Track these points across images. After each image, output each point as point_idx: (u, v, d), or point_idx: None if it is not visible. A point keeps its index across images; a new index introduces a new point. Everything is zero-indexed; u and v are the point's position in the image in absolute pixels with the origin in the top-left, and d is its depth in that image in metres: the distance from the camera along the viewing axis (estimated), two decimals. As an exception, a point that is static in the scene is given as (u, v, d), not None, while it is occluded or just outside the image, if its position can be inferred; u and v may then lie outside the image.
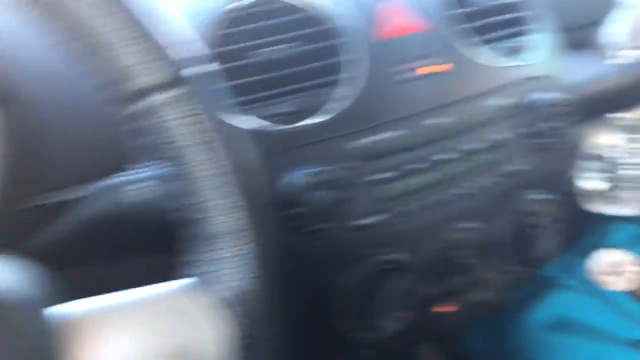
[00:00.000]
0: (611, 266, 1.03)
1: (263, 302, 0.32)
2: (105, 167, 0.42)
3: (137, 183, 0.42)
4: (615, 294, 1.03)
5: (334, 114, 0.46)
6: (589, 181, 0.75)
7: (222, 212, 0.31)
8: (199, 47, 0.31)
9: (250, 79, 0.46)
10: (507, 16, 0.55)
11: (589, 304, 1.01)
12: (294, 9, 0.48)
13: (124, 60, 0.28)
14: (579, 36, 0.70)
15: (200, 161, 0.30)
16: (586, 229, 1.08)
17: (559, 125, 0.53)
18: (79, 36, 0.28)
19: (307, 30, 0.48)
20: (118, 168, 0.42)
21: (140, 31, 0.29)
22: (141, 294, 0.30)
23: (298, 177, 0.44)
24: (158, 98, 0.29)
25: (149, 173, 0.40)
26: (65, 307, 0.28)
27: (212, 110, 0.31)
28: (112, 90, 0.29)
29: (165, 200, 0.33)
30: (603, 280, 1.03)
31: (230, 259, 0.31)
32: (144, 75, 0.29)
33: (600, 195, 0.75)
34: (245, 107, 0.45)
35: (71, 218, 0.41)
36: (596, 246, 1.07)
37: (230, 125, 0.44)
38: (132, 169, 0.42)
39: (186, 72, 0.30)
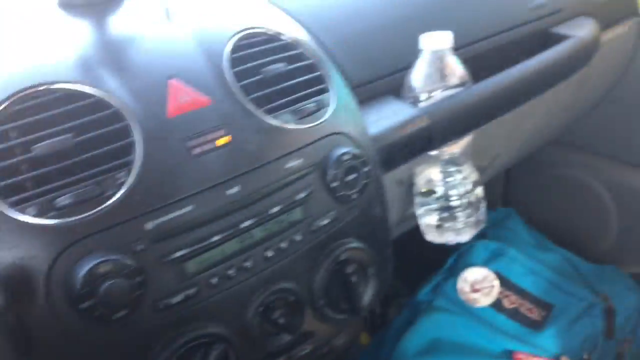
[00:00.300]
0: (474, 284, 1.09)
1: None
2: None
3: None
4: (482, 309, 1.09)
5: (121, 197, 0.47)
6: (425, 216, 0.80)
7: None
8: None
9: (26, 176, 0.45)
10: (294, 81, 0.58)
11: (460, 323, 1.06)
12: (75, 97, 0.48)
13: None
14: (392, 82, 0.75)
15: None
16: (449, 252, 1.15)
17: (355, 177, 0.57)
18: None
19: (89, 118, 0.48)
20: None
21: None
22: None
23: (83, 269, 0.44)
24: None
25: None
26: None
27: None
28: None
29: None
30: (469, 298, 1.10)
31: None
32: None
33: (437, 227, 0.80)
34: (22, 205, 0.44)
35: None
36: (461, 266, 1.14)
37: (7, 225, 0.44)
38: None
39: None
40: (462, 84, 0.73)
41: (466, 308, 1.07)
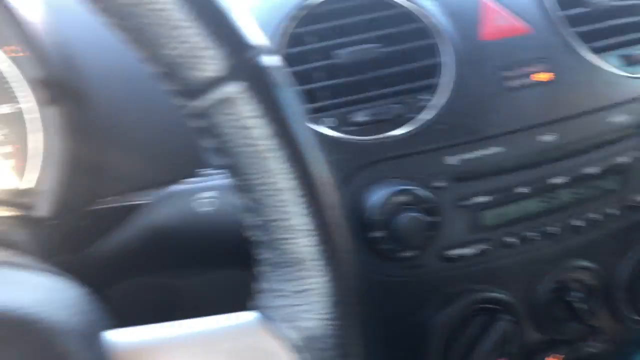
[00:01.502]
0: None
1: (341, 346, 0.26)
2: (174, 172, 0.38)
3: (209, 191, 0.37)
4: None
5: (423, 125, 0.40)
6: None
7: (299, 235, 0.25)
8: (268, 39, 0.25)
9: (325, 83, 0.40)
10: (626, 20, 0.47)
11: None
12: (381, 5, 0.43)
13: (190, 43, 0.23)
14: None
15: (277, 170, 0.24)
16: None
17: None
18: (139, 13, 0.23)
19: (395, 29, 0.42)
20: (189, 174, 0.38)
21: (210, 9, 0.23)
22: (204, 327, 0.25)
23: (381, 195, 0.38)
24: (229, 90, 0.24)
25: (223, 181, 0.36)
26: (122, 335, 0.24)
27: (296, 108, 0.26)
28: (175, 80, 0.24)
29: (238, 214, 0.27)
30: None
31: (306, 293, 0.25)
32: (212, 62, 0.23)
33: None
34: (318, 114, 0.40)
35: (135, 224, 0.37)
36: None
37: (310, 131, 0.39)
38: (205, 174, 0.38)
39: (264, 61, 0.25)
40: None
41: None
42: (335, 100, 0.41)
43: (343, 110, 0.41)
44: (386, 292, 0.41)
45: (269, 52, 0.25)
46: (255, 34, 0.25)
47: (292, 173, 0.25)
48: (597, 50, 0.45)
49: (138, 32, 0.24)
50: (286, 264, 0.26)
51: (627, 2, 0.48)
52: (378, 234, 0.39)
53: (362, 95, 0.41)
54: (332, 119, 0.40)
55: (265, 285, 0.26)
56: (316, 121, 0.40)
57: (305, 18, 0.42)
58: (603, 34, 0.46)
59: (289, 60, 0.40)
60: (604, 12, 0.46)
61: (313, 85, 0.41)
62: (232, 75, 0.24)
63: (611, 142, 0.44)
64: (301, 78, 0.40)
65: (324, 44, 0.42)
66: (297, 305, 0.26)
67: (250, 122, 0.24)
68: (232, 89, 0.24)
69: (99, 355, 0.22)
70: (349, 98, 0.41)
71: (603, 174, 0.44)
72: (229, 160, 0.25)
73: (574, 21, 0.45)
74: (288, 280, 0.26)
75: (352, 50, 0.41)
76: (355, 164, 0.40)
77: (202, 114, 0.24)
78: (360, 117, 0.40)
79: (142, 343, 0.24)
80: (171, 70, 0.24)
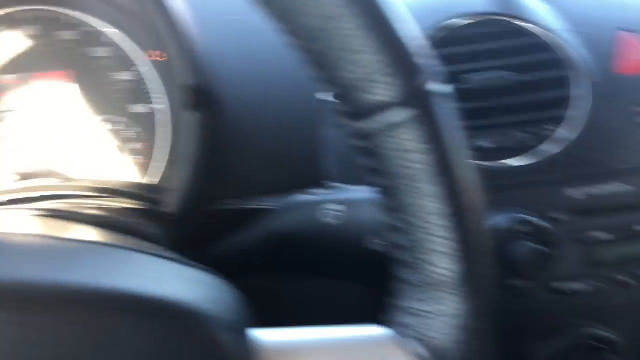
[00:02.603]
0: None
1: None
2: (301, 182, 0.40)
3: (336, 204, 0.39)
4: None
5: (548, 156, 0.40)
6: None
7: (442, 258, 0.26)
8: (435, 62, 0.27)
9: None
10: None
11: None
12: (516, 33, 0.43)
13: (368, 68, 0.25)
14: None
15: (430, 194, 0.26)
16: None
17: None
18: (325, 37, 0.25)
19: (529, 58, 0.42)
20: (316, 183, 0.40)
21: (390, 38, 0.25)
22: (341, 335, 0.27)
23: (500, 223, 0.39)
24: (398, 116, 0.25)
25: (351, 195, 0.38)
26: (266, 334, 0.26)
27: (459, 139, 0.27)
28: (347, 101, 0.26)
29: (369, 229, 0.29)
30: None
31: (441, 314, 0.26)
32: (384, 88, 0.25)
33: None
34: None
35: (258, 229, 0.40)
36: None
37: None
38: (331, 187, 0.40)
39: (429, 89, 0.26)
40: None
41: None
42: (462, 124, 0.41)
43: (469, 135, 0.41)
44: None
45: (441, 80, 0.27)
46: (429, 62, 0.26)
47: (444, 198, 0.26)
48: None
49: (321, 54, 0.25)
50: (425, 284, 0.27)
51: None
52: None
53: (489, 122, 0.41)
54: None
55: (400, 302, 0.28)
56: None
57: (441, 39, 0.43)
58: None
59: None
60: None
61: None
62: (404, 102, 0.25)
63: None
64: None
65: (456, 67, 0.42)
66: (431, 325, 0.27)
67: (413, 147, 0.26)
68: (401, 116, 0.25)
69: (248, 351, 0.24)
70: (476, 123, 0.41)
71: None
72: (384, 181, 0.27)
73: None
74: (424, 300, 0.27)
75: (484, 75, 0.42)
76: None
77: (367, 135, 0.26)
78: (484, 142, 0.41)
79: (286, 344, 0.26)
80: (345, 92, 0.26)
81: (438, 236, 0.26)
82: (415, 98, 0.25)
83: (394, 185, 0.26)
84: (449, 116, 0.26)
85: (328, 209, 0.38)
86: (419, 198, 0.26)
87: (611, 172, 0.41)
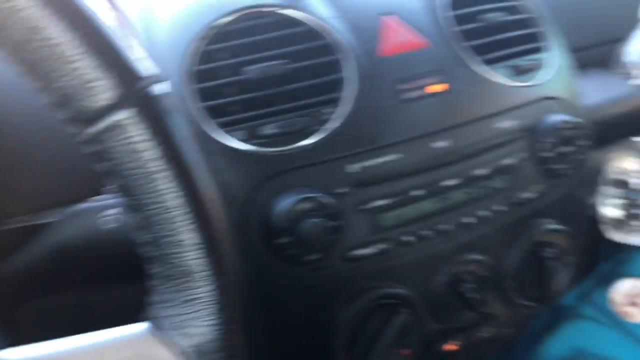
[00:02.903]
0: (631, 296, 0.97)
1: (228, 350, 0.29)
2: (79, 191, 0.39)
3: (113, 208, 0.39)
4: (635, 325, 0.97)
5: (327, 135, 0.43)
6: (609, 208, 0.70)
7: (186, 249, 0.27)
8: (154, 66, 0.28)
9: (235, 98, 0.43)
10: (515, 33, 0.51)
11: (608, 336, 0.95)
12: (288, 23, 0.45)
13: (81, 74, 0.25)
14: (599, 54, 0.66)
15: (164, 190, 0.27)
16: (607, 256, 1.03)
17: (572, 150, 0.49)
18: (33, 48, 0.25)
19: (301, 46, 0.45)
20: (94, 192, 0.40)
21: (100, 43, 0.25)
22: (96, 339, 0.27)
23: (286, 203, 0.41)
24: (119, 117, 0.26)
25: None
26: (14, 353, 0.25)
27: (183, 132, 0.28)
28: (68, 109, 0.26)
29: (131, 230, 0.29)
30: (622, 310, 0.98)
31: (194, 302, 0.28)
32: (103, 92, 0.26)
33: (620, 223, 0.70)
34: (229, 128, 0.42)
35: (42, 243, 0.39)
36: (617, 275, 1.02)
37: (210, 147, 0.41)
38: (111, 192, 0.39)
39: (151, 89, 0.27)
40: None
41: (617, 321, 0.95)
42: (245, 114, 0.43)
43: (253, 123, 0.43)
44: (295, 295, 0.44)
45: (157, 79, 0.27)
46: (142, 63, 0.27)
47: (178, 192, 0.27)
48: (488, 62, 0.49)
49: (31, 65, 0.25)
50: (175, 277, 0.28)
51: (516, 17, 0.52)
52: (284, 240, 0.41)
53: (269, 109, 0.43)
54: (243, 132, 0.43)
55: (155, 297, 0.29)
56: (228, 134, 0.42)
57: (215, 36, 0.43)
58: (494, 47, 0.50)
59: (201, 77, 0.42)
60: (495, 27, 0.51)
61: (224, 101, 0.43)
62: (121, 102, 0.26)
63: (499, 146, 0.48)
64: (213, 94, 0.42)
65: (233, 60, 0.44)
66: (186, 314, 0.28)
67: (140, 146, 0.27)
68: (121, 116, 0.26)
69: None
70: (258, 112, 0.43)
71: (492, 175, 0.48)
72: (120, 181, 0.27)
73: (467, 36, 0.49)
74: (177, 291, 0.28)
75: (259, 66, 0.43)
76: (264, 175, 0.42)
77: (93, 140, 0.27)
78: (268, 130, 0.43)
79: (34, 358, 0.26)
80: (65, 101, 0.26)
81: (178, 228, 0.27)
82: (132, 98, 0.26)
83: (130, 184, 0.27)
84: (169, 113, 0.27)
85: (106, 215, 0.37)
86: (155, 195, 0.27)
87: (383, 145, 0.44)
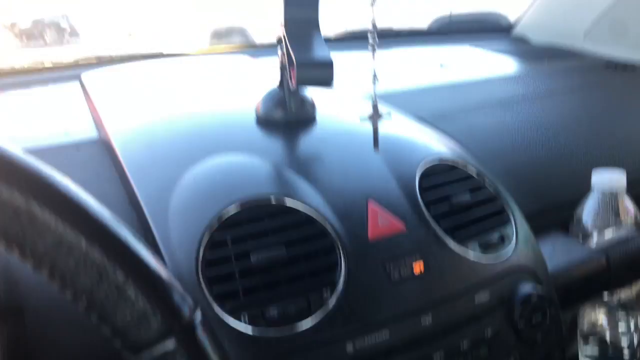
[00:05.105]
0: None
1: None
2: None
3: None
4: None
5: (324, 317, 0.48)
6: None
7: None
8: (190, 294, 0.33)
9: (242, 285, 0.47)
10: (481, 212, 0.59)
11: None
12: (286, 212, 0.51)
13: (135, 309, 0.30)
14: (557, 217, 0.74)
15: None
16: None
17: (543, 317, 0.55)
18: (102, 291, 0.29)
19: (299, 233, 0.51)
20: None
21: (153, 283, 0.31)
22: None
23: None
24: (165, 346, 0.30)
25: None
26: None
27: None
28: (118, 339, 0.30)
29: None
30: None
31: None
32: (154, 323, 0.30)
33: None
34: (236, 312, 0.46)
35: None
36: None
37: (220, 331, 0.45)
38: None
39: (186, 319, 0.32)
40: (637, 224, 0.71)
41: None
42: (250, 299, 0.47)
43: (257, 307, 0.47)
44: None
45: (196, 310, 0.33)
46: (181, 296, 0.32)
47: None
48: (461, 240, 0.56)
49: (91, 304, 0.30)
50: None
51: (480, 197, 0.60)
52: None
53: (272, 294, 0.48)
54: (248, 315, 0.47)
55: None
56: (235, 319, 0.46)
57: (221, 226, 0.50)
58: (464, 226, 0.57)
59: (210, 265, 0.47)
60: (461, 208, 0.58)
61: (232, 288, 0.47)
62: (170, 333, 0.31)
63: (479, 318, 0.53)
64: (221, 280, 0.47)
65: (238, 249, 0.49)
66: None
67: None
68: (170, 345, 0.31)
69: None
70: (261, 296, 0.48)
71: (473, 346, 0.52)
72: None
73: (440, 218, 0.56)
74: None
75: (262, 255, 0.49)
76: (270, 357, 0.46)
77: None
78: (271, 312, 0.47)
79: None
80: (121, 332, 0.31)
81: None
82: (177, 329, 0.31)
83: None
84: (207, 340, 0.32)
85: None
86: None
87: (376, 324, 0.49)
